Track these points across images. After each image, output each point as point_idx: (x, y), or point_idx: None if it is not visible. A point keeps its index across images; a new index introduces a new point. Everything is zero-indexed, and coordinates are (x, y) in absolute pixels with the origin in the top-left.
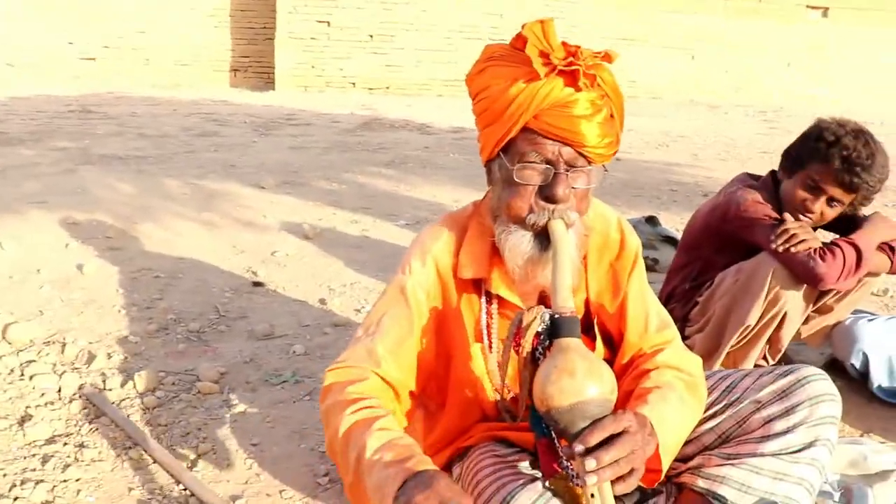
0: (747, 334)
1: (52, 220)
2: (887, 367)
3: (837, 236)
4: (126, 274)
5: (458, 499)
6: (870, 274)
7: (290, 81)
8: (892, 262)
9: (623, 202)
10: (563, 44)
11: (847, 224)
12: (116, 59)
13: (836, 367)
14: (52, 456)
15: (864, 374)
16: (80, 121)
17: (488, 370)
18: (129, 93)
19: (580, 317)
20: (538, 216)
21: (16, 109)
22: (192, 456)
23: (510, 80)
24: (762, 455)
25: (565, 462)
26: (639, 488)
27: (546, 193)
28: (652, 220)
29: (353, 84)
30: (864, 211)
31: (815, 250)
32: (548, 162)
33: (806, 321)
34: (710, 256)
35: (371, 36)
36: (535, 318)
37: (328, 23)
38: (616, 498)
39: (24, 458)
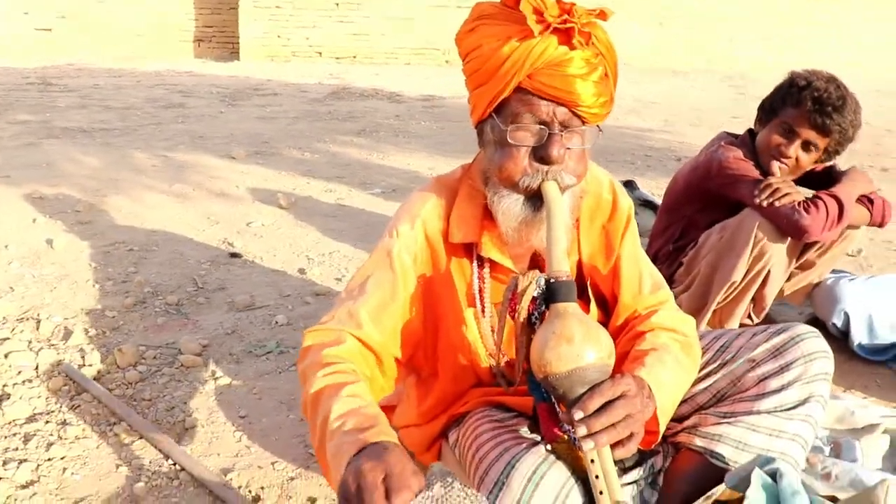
0: (733, 291)
1: (16, 195)
2: (867, 325)
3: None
4: (98, 248)
5: (405, 474)
6: (850, 227)
7: (255, 52)
8: (871, 213)
9: None
10: (558, 1)
11: (826, 179)
12: (74, 31)
13: (816, 326)
14: (35, 434)
15: (845, 333)
16: (40, 93)
17: (481, 334)
18: (90, 65)
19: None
20: (532, 178)
21: None
22: (179, 430)
23: (503, 38)
24: (758, 413)
25: (566, 426)
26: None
27: (540, 154)
28: (630, 185)
29: (320, 53)
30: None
31: (798, 203)
32: (542, 122)
33: (789, 278)
34: (692, 216)
35: (337, 4)
36: (531, 283)
37: None
38: (615, 461)
39: (5, 437)
